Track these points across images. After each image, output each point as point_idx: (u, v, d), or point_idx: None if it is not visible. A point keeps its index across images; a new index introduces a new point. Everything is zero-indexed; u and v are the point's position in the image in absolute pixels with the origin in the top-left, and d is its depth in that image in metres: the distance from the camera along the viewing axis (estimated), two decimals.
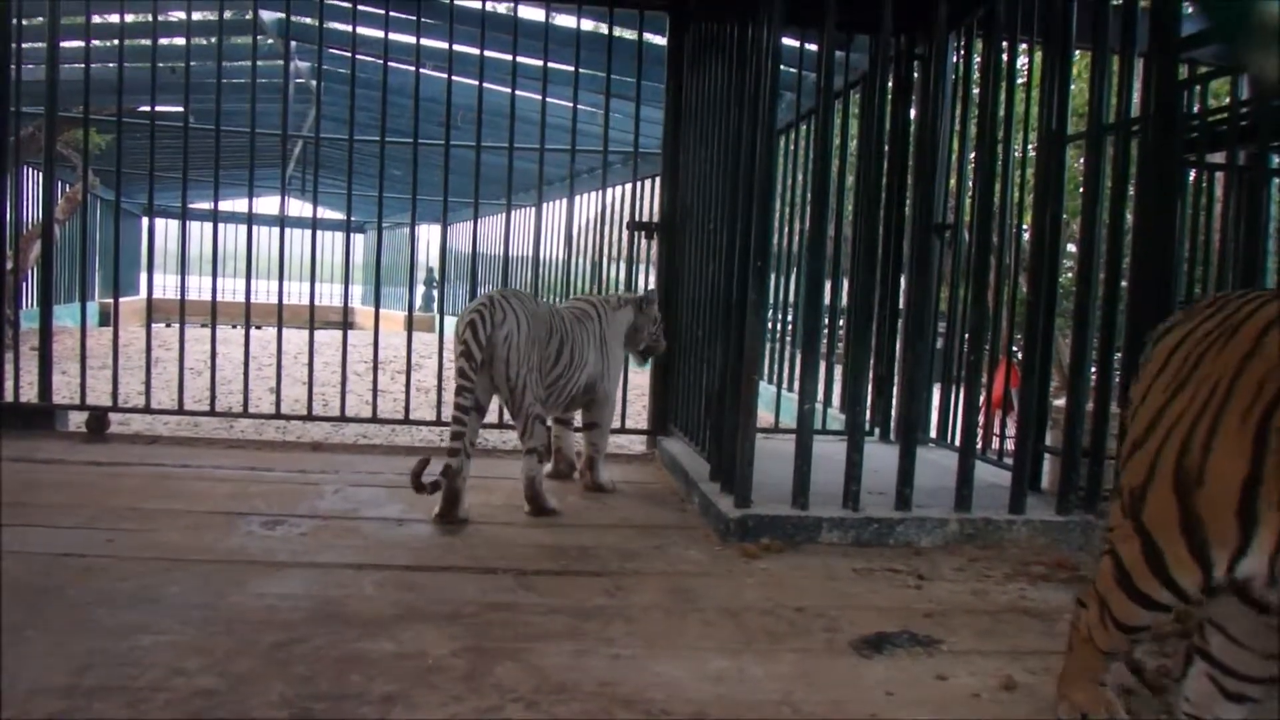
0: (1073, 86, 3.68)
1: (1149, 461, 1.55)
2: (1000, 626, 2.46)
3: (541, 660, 2.09)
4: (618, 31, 4.86)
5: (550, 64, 4.83)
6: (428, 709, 1.83)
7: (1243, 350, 1.46)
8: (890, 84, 4.75)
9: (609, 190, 9.84)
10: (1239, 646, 1.58)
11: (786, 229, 5.60)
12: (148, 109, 5.08)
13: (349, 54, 5.18)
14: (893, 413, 4.84)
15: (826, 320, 5.41)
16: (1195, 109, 3.78)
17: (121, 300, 5.22)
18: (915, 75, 4.81)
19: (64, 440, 4.46)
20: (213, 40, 6.11)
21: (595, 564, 2.86)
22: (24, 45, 4.61)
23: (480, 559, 2.85)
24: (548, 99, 4.82)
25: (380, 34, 5.12)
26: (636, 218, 5.10)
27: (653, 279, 5.04)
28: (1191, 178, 4.09)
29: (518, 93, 4.85)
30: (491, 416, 4.79)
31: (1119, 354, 3.30)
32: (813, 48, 4.73)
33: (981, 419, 3.98)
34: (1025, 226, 4.19)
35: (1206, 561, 1.47)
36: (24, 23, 4.61)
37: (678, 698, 1.94)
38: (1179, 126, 3.21)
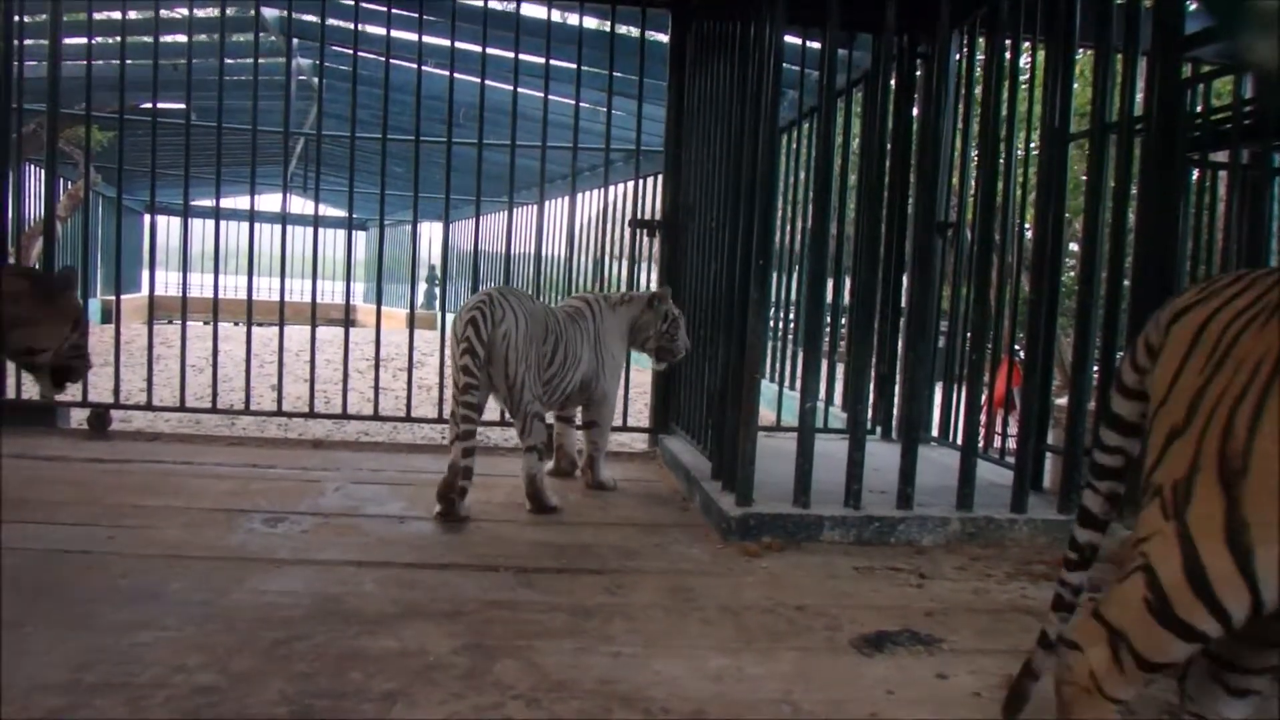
0: (1075, 85, 3.67)
1: (1192, 450, 1.38)
2: (1001, 625, 2.46)
3: (542, 658, 2.09)
4: (620, 29, 4.85)
5: (553, 61, 4.82)
6: (428, 706, 1.83)
7: None
8: (893, 82, 4.74)
9: (611, 188, 9.84)
10: (1238, 638, 1.50)
11: (789, 227, 5.60)
12: (149, 106, 5.08)
13: (351, 51, 5.18)
14: (894, 411, 4.83)
15: (828, 319, 5.40)
16: (1198, 108, 3.77)
17: (123, 297, 5.22)
18: (918, 73, 4.80)
19: (66, 437, 4.47)
20: (214, 37, 6.10)
21: (596, 562, 2.86)
22: (26, 42, 4.61)
23: (481, 556, 2.85)
24: (550, 96, 4.81)
25: (382, 31, 5.12)
26: (639, 215, 5.09)
27: (655, 277, 5.04)
28: (1195, 177, 4.08)
29: (520, 90, 4.85)
30: (493, 414, 4.80)
31: (1121, 353, 3.29)
32: (815, 46, 4.73)
33: (983, 418, 3.97)
34: (1028, 225, 4.19)
35: (1252, 574, 1.32)
36: (25, 19, 4.61)
37: (677, 696, 1.94)
38: (1182, 125, 3.20)
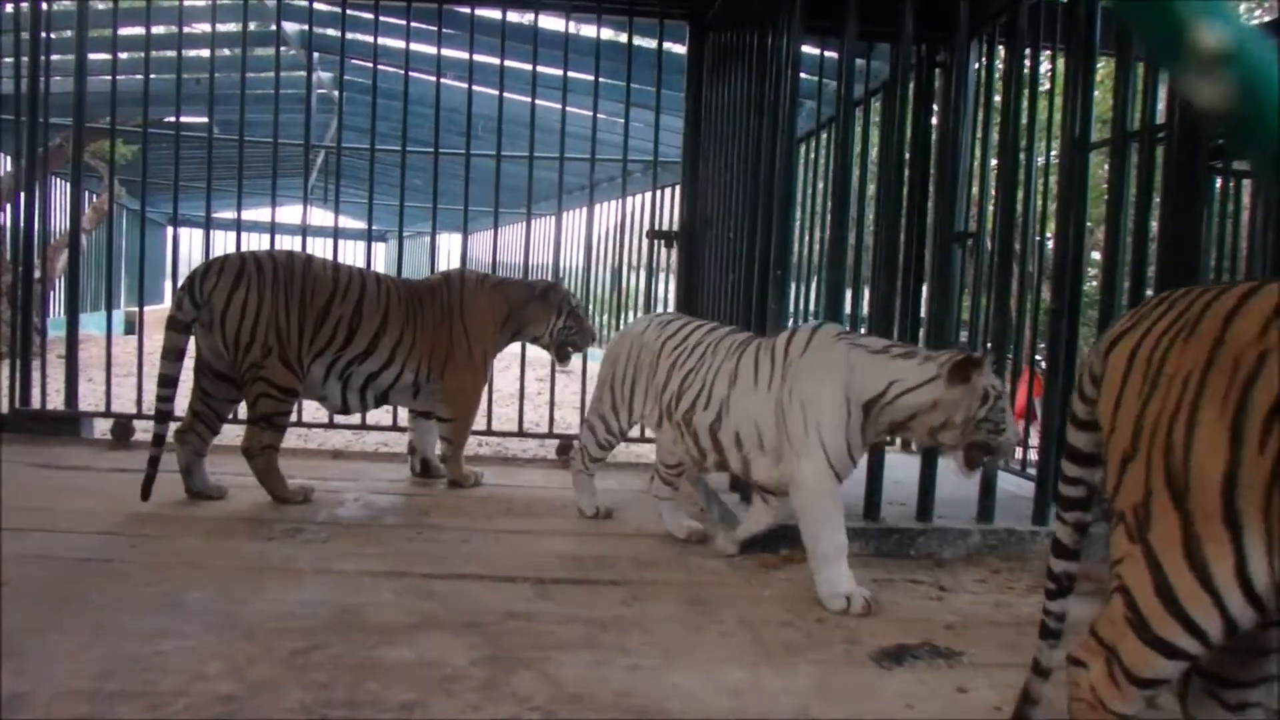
0: (1096, 93, 3.64)
1: (1143, 472, 1.43)
2: (1023, 639, 2.42)
3: (558, 670, 2.08)
4: (637, 40, 4.87)
5: (570, 73, 4.84)
6: (445, 717, 1.83)
7: (1210, 340, 1.38)
8: (911, 92, 4.73)
9: (629, 199, 9.86)
10: (1227, 652, 1.49)
11: (806, 237, 5.58)
12: (173, 120, 5.15)
13: (371, 65, 5.22)
14: None
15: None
16: None
17: (146, 309, 5.28)
18: (937, 83, 4.78)
19: (90, 447, 4.51)
20: (236, 52, 6.17)
21: (613, 573, 2.85)
22: (53, 58, 4.69)
23: (498, 568, 2.85)
24: (567, 108, 4.83)
25: (402, 45, 5.16)
26: (656, 226, 5.09)
27: (673, 287, 5.03)
28: (1218, 185, 4.03)
29: (538, 102, 4.87)
30: (510, 425, 4.80)
31: None
32: (833, 55, 4.72)
33: None
34: (1048, 235, 4.15)
35: (1215, 590, 1.35)
36: (53, 36, 4.68)
37: (694, 709, 1.92)
38: (1205, 133, 3.17)
